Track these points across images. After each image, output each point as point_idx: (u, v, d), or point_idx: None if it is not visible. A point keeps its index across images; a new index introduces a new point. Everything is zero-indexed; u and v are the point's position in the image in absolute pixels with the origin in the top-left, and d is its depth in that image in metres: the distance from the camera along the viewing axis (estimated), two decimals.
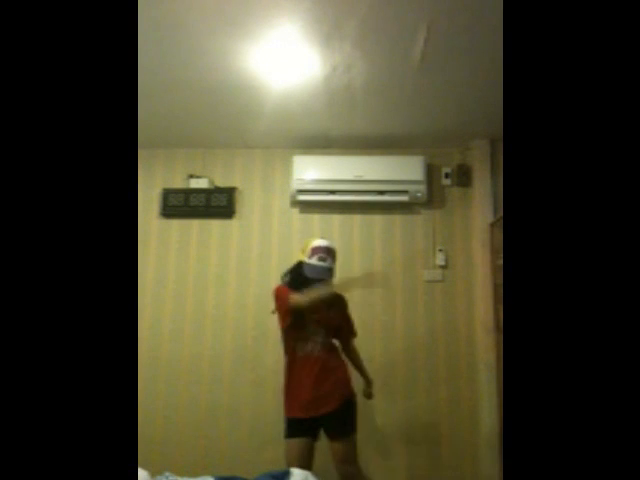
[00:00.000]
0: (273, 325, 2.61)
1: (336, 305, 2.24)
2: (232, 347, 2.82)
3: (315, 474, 1.68)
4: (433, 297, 2.85)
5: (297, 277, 2.17)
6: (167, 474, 1.57)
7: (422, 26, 1.87)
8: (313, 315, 2.13)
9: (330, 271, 2.18)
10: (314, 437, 2.09)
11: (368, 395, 2.35)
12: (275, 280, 2.90)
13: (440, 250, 2.89)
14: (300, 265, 2.18)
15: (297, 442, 2.05)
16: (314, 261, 2.14)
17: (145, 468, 1.55)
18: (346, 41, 1.97)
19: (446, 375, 2.77)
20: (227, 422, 2.75)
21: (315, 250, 2.16)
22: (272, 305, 2.21)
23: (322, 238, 2.28)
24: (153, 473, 1.58)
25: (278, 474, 1.60)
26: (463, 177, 2.95)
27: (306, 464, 1.98)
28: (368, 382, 2.36)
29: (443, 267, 2.88)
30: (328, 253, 2.17)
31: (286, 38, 1.95)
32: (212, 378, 2.80)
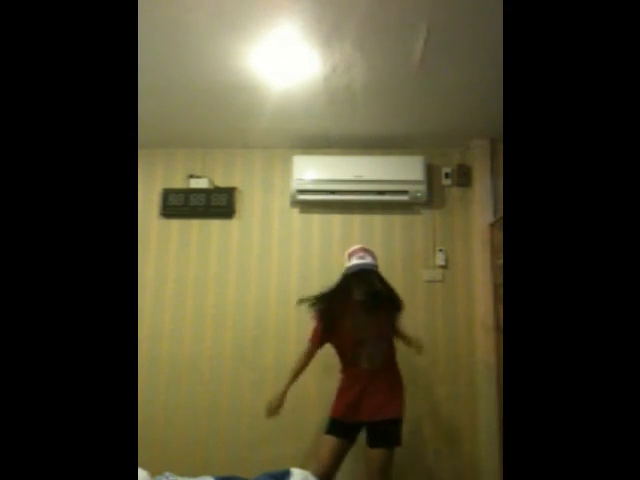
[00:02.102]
0: (273, 325, 2.62)
1: (385, 311, 2.22)
2: (232, 347, 2.82)
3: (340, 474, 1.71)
4: (433, 297, 2.85)
5: (342, 284, 2.20)
6: (167, 474, 1.57)
7: (422, 26, 1.87)
8: (356, 331, 2.14)
9: (372, 266, 2.19)
10: (351, 440, 2.14)
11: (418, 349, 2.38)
12: (275, 280, 2.92)
13: (440, 250, 2.89)
14: (344, 274, 2.21)
15: (331, 439, 2.10)
16: (355, 260, 2.18)
17: (145, 468, 1.55)
18: (346, 41, 1.97)
19: (446, 375, 2.77)
20: (227, 422, 2.75)
21: (352, 253, 2.23)
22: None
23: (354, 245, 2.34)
24: (153, 473, 1.58)
25: (278, 474, 1.60)
26: (463, 177, 2.95)
27: (334, 463, 2.06)
28: (411, 342, 2.37)
29: (443, 267, 2.88)
30: (366, 251, 2.22)
31: (286, 38, 1.95)
32: (212, 378, 2.80)
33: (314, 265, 2.90)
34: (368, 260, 2.19)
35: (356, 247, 2.27)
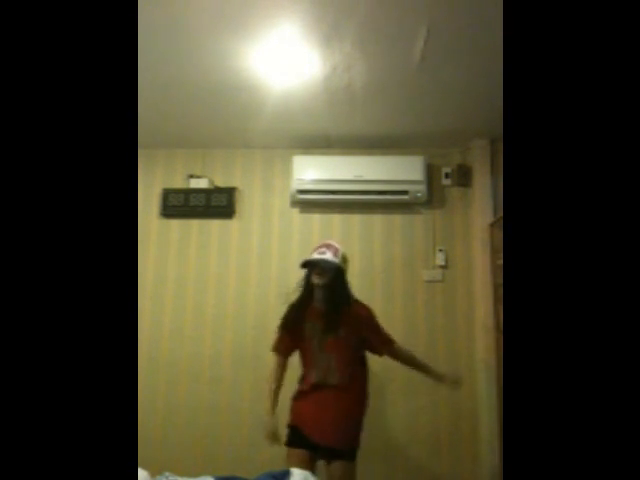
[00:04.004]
0: (273, 325, 2.60)
1: (351, 324, 2.03)
2: (232, 347, 2.82)
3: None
4: (433, 297, 2.85)
5: (303, 291, 2.12)
6: (167, 474, 1.57)
7: (422, 26, 1.87)
8: (314, 341, 2.02)
9: (328, 262, 2.04)
10: (314, 450, 2.00)
11: (454, 385, 2.29)
12: (275, 280, 2.92)
13: (440, 250, 2.89)
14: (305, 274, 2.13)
15: (296, 452, 1.98)
16: (314, 255, 2.07)
17: (145, 468, 1.55)
18: (346, 41, 1.97)
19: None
20: (227, 422, 2.75)
21: (315, 248, 2.13)
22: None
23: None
24: (153, 473, 1.57)
25: (278, 474, 1.60)
26: (463, 177, 2.95)
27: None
28: (439, 378, 2.24)
29: (443, 267, 2.88)
30: (328, 247, 2.10)
31: (286, 38, 1.95)
32: (212, 378, 2.80)
33: None
34: (327, 256, 2.04)
35: (321, 243, 2.18)
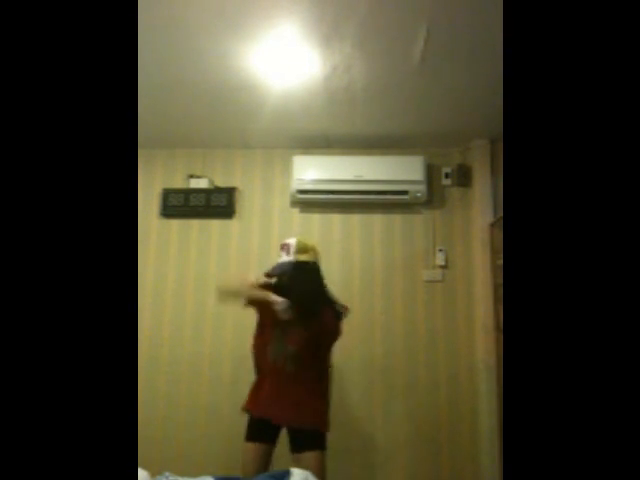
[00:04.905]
0: None
1: (318, 319, 1.98)
2: (232, 347, 2.82)
3: None
4: (433, 297, 2.85)
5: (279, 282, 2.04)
6: (167, 474, 1.57)
7: (422, 27, 1.87)
8: (278, 324, 1.96)
9: (288, 265, 2.02)
10: (272, 442, 1.99)
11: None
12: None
13: (440, 250, 2.89)
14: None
15: (251, 447, 1.96)
16: (280, 259, 2.07)
17: (145, 468, 1.55)
18: (346, 41, 1.97)
19: (446, 375, 2.77)
20: (227, 422, 2.74)
21: (280, 248, 2.11)
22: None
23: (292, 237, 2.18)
24: (153, 473, 1.57)
25: (278, 474, 1.60)
26: (463, 177, 2.95)
27: (261, 469, 1.90)
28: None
29: (443, 267, 2.88)
30: (282, 248, 2.09)
31: (286, 38, 1.95)
32: (212, 378, 2.80)
33: None
34: (288, 258, 2.04)
35: (283, 242, 2.12)
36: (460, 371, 2.77)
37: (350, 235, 2.94)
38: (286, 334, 1.96)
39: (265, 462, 1.96)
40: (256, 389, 2.04)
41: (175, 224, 3.00)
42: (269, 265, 2.90)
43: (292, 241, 2.10)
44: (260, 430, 1.98)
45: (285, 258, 2.06)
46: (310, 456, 1.89)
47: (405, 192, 2.84)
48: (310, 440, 1.92)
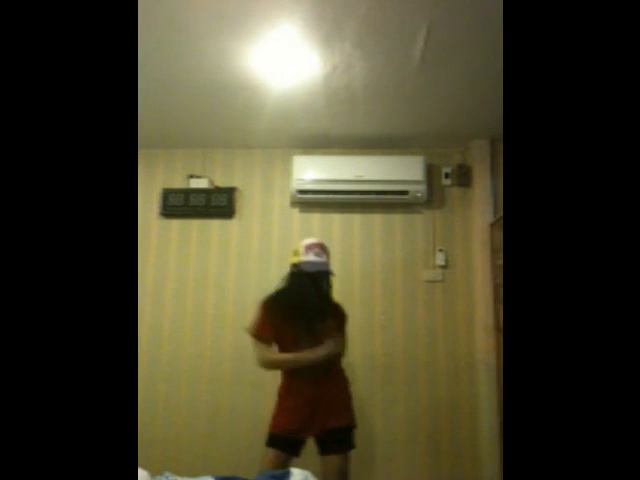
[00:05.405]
0: None
1: (331, 320, 2.10)
2: (232, 347, 2.82)
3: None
4: (433, 297, 2.85)
5: (296, 280, 2.06)
6: (167, 474, 1.57)
7: (422, 26, 1.87)
8: (302, 335, 2.01)
9: (327, 267, 2.09)
10: (296, 454, 2.01)
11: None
12: (275, 280, 2.91)
13: (440, 250, 2.89)
14: (297, 267, 2.06)
15: (275, 453, 1.98)
16: (311, 257, 2.03)
17: (145, 468, 1.55)
18: (346, 41, 1.97)
19: (446, 375, 2.77)
20: (227, 422, 2.75)
21: (309, 247, 2.06)
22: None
23: (311, 237, 2.23)
24: (153, 473, 1.57)
25: (278, 474, 1.60)
26: (463, 177, 2.95)
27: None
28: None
29: (443, 267, 2.88)
30: (322, 249, 2.09)
31: (286, 38, 1.95)
32: (212, 378, 2.80)
33: None
34: (324, 259, 2.06)
35: (314, 241, 2.11)
36: (460, 371, 2.77)
37: (350, 235, 2.94)
38: (313, 336, 2.03)
39: (284, 467, 1.97)
40: (286, 410, 2.03)
41: (175, 224, 3.00)
42: (269, 265, 2.93)
43: (323, 243, 2.13)
44: (286, 441, 2.00)
45: (319, 259, 2.05)
46: (335, 458, 1.96)
47: (405, 192, 2.84)
48: (343, 439, 2.00)
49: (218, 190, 2.98)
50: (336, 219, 2.96)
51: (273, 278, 2.88)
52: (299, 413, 2.00)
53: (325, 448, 1.99)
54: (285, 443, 2.00)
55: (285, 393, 2.08)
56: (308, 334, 2.03)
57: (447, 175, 2.98)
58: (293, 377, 2.06)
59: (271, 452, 1.99)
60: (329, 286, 2.14)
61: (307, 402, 2.00)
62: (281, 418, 2.04)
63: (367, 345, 2.80)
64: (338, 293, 2.84)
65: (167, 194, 2.98)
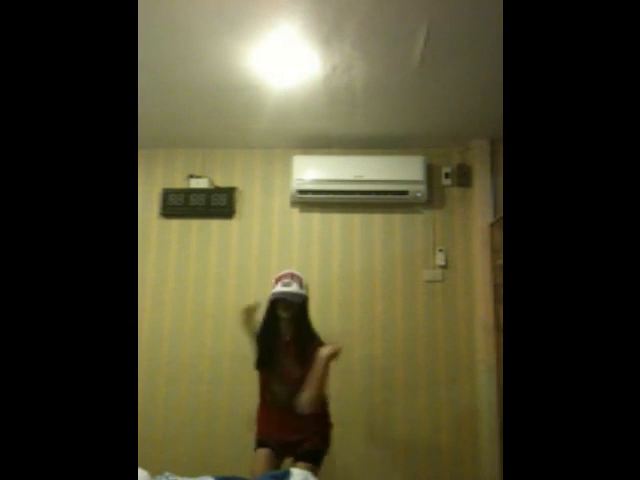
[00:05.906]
0: None
1: (309, 358, 1.99)
2: (232, 347, 2.82)
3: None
4: (433, 297, 2.85)
5: (267, 316, 2.10)
6: (167, 474, 1.57)
7: (422, 26, 1.87)
8: (276, 370, 2.07)
9: (295, 295, 2.02)
10: (286, 454, 2.08)
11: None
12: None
13: (440, 250, 2.89)
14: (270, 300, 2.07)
15: (264, 451, 2.05)
16: (278, 287, 2.03)
17: (145, 468, 1.55)
18: (346, 41, 1.97)
19: (446, 375, 2.77)
20: (227, 422, 2.75)
21: (278, 279, 2.08)
22: None
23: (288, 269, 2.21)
24: (153, 473, 1.58)
25: (278, 474, 1.60)
26: (463, 177, 2.95)
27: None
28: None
29: (443, 267, 2.88)
30: (292, 277, 2.06)
31: (286, 38, 1.95)
32: (212, 378, 2.80)
33: (314, 265, 2.90)
34: (293, 288, 2.02)
35: (284, 272, 2.12)
36: (460, 371, 2.77)
37: (350, 235, 2.94)
38: (283, 374, 2.07)
39: (276, 465, 2.05)
40: (263, 424, 2.14)
41: (175, 224, 3.00)
42: (269, 265, 2.93)
43: (301, 275, 2.13)
44: (275, 442, 2.07)
45: (295, 288, 2.03)
46: (303, 465, 1.95)
47: (405, 192, 2.84)
48: (311, 453, 2.03)
49: (218, 190, 2.98)
50: (336, 219, 2.96)
51: (273, 278, 2.90)
52: (270, 428, 2.10)
53: (296, 456, 2.03)
54: (274, 444, 2.07)
55: (259, 413, 2.18)
56: (286, 368, 2.07)
57: (447, 175, 2.98)
58: (265, 402, 2.15)
59: (261, 452, 2.05)
60: (303, 312, 2.10)
61: (276, 424, 2.08)
62: (259, 427, 2.15)
63: (367, 345, 2.80)
64: (338, 293, 2.86)
65: (167, 194, 2.98)
